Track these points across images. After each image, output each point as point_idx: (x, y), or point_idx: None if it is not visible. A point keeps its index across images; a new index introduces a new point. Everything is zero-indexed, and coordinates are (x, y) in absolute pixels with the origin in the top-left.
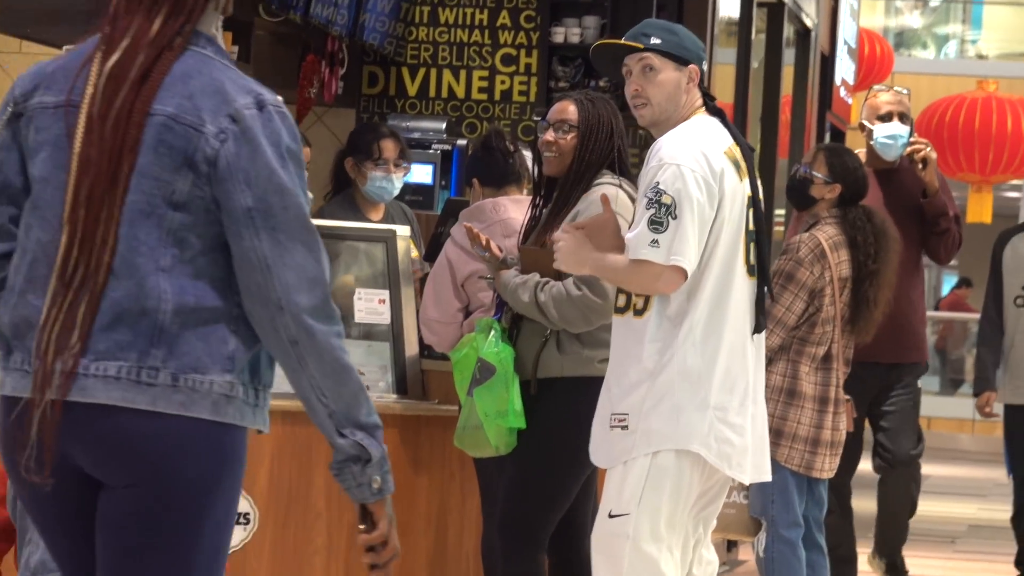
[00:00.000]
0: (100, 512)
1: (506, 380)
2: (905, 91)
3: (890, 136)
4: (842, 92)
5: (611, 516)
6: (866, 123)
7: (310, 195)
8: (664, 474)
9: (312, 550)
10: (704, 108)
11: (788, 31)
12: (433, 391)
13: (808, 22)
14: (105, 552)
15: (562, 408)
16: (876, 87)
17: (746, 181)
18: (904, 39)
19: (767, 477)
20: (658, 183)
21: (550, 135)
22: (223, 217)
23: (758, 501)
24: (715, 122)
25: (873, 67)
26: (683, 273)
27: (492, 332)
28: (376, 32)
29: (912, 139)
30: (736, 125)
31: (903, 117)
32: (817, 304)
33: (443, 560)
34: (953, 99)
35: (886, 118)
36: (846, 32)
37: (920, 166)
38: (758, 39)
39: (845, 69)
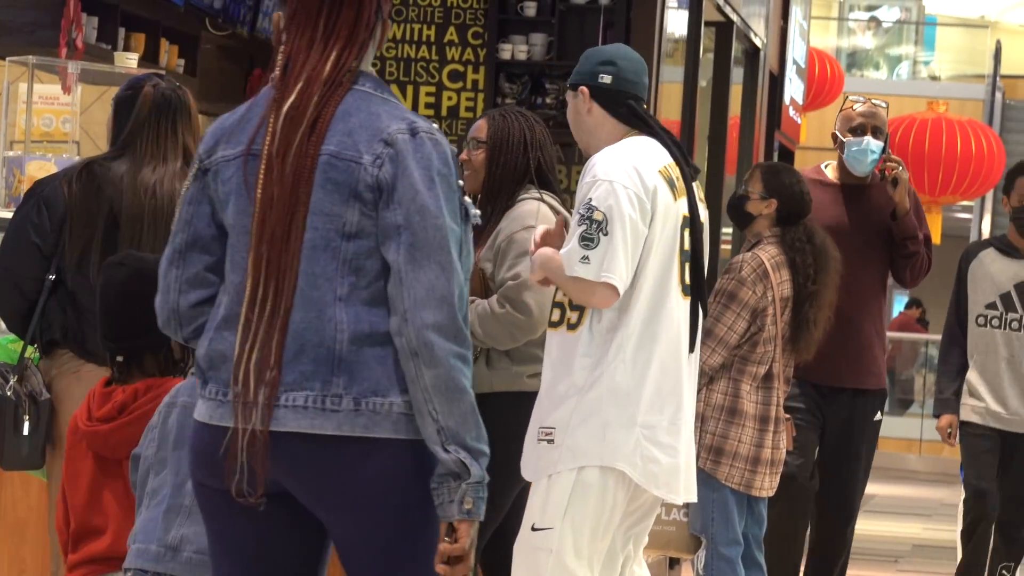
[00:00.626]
0: (339, 545)
1: None
2: (884, 104)
3: (859, 150)
4: (791, 112)
5: (534, 529)
6: (838, 134)
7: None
8: (588, 490)
9: None
10: (626, 123)
11: (736, 50)
12: None
13: (757, 41)
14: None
15: (492, 423)
16: (851, 97)
17: (682, 201)
18: (857, 60)
19: (693, 498)
20: (590, 199)
21: (465, 153)
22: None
23: (698, 519)
24: (652, 142)
25: (824, 87)
26: (616, 290)
27: None
28: None
29: (884, 156)
30: (683, 144)
31: (876, 131)
32: (759, 324)
33: None
34: (904, 119)
35: (858, 131)
36: (795, 52)
37: (891, 185)
38: (706, 58)
39: (794, 89)
